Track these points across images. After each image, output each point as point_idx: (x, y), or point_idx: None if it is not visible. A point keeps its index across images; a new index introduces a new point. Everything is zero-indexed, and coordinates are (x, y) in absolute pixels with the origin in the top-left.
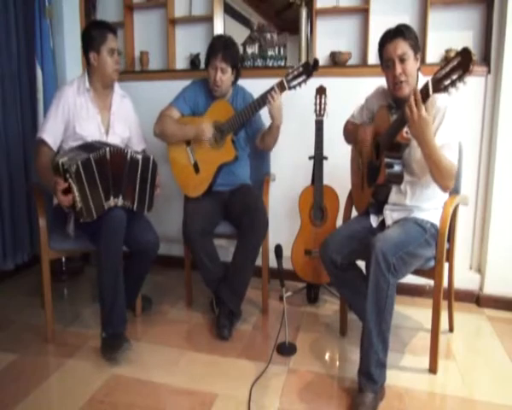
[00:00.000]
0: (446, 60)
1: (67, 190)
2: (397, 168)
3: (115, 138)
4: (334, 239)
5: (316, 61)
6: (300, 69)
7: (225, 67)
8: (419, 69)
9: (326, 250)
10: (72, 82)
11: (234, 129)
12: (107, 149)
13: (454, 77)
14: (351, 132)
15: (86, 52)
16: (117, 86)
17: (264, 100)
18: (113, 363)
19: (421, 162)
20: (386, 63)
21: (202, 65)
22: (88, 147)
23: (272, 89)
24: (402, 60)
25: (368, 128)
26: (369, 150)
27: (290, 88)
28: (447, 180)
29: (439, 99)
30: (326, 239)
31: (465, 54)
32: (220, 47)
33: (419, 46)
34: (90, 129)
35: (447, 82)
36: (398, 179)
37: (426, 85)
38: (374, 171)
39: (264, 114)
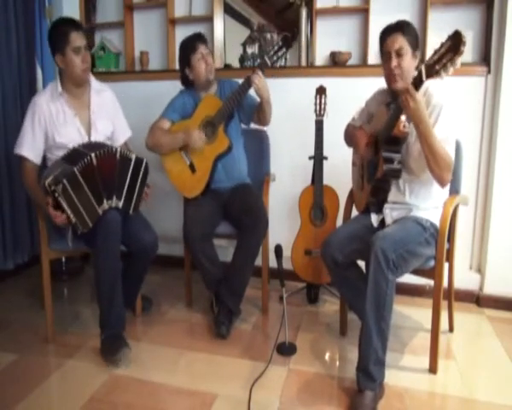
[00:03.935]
0: None
1: (59, 208)
2: (395, 162)
3: (99, 138)
4: (335, 238)
5: (294, 33)
6: (280, 43)
7: (207, 49)
8: (417, 67)
9: (327, 249)
10: (44, 90)
11: (224, 118)
12: (93, 154)
13: (445, 60)
14: (350, 136)
15: (53, 55)
16: (93, 81)
17: (247, 84)
18: (113, 366)
19: (419, 158)
20: (385, 56)
21: None
22: (73, 156)
23: (254, 72)
24: (399, 54)
25: (363, 131)
26: (365, 151)
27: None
28: (444, 170)
29: (434, 96)
30: (328, 238)
31: (455, 36)
32: (194, 38)
33: (418, 44)
34: (70, 134)
35: (439, 66)
36: (396, 174)
37: (419, 71)
38: (373, 168)
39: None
